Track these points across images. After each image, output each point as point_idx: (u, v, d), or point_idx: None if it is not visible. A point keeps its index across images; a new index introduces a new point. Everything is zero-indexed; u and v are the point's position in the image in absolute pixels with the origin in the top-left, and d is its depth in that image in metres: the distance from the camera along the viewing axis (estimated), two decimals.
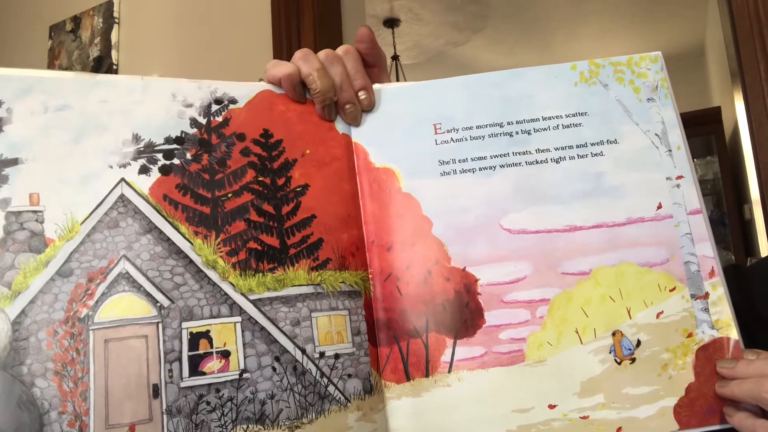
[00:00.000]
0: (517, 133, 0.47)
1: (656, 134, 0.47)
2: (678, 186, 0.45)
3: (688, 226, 0.44)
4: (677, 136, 0.46)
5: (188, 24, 1.54)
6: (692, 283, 0.43)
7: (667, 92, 0.48)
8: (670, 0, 2.98)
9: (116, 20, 1.63)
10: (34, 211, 0.38)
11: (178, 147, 0.43)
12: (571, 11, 3.09)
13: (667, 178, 0.46)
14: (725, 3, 1.21)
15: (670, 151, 0.46)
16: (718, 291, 0.43)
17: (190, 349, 0.40)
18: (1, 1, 1.87)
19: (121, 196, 0.41)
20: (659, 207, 0.45)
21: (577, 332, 0.43)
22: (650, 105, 0.47)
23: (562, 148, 0.47)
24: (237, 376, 0.40)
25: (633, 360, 0.42)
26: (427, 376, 0.43)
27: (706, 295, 0.43)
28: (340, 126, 0.49)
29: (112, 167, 0.41)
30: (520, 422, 0.41)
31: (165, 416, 0.38)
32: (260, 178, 0.45)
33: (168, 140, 0.43)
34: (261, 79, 0.49)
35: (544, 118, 0.47)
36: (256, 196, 0.45)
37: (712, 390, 0.41)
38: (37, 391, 0.36)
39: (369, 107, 0.49)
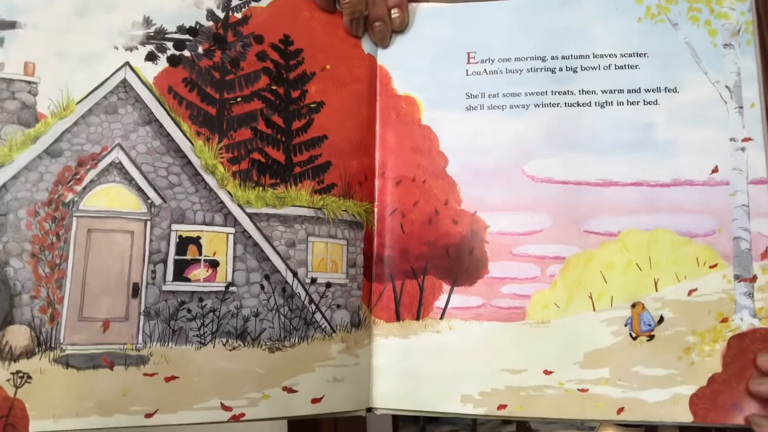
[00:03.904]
0: (560, 69, 0.42)
1: (727, 86, 0.40)
2: (743, 149, 0.39)
3: (746, 196, 0.39)
4: (753, 91, 0.40)
5: None
6: (739, 262, 0.38)
7: (751, 38, 0.41)
8: None
9: None
10: (28, 82, 0.37)
11: (191, 38, 0.41)
12: None
13: (731, 139, 0.40)
14: None
15: (741, 107, 0.40)
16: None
17: (177, 253, 0.38)
18: None
19: (124, 81, 0.39)
20: (714, 170, 0.39)
21: (591, 297, 0.39)
22: (726, 51, 0.41)
23: (611, 92, 0.41)
24: (223, 288, 0.39)
25: (651, 337, 0.38)
26: (417, 319, 0.41)
27: (754, 278, 0.38)
28: (366, 45, 0.45)
29: (117, 49, 0.39)
30: (509, 383, 0.38)
31: (142, 317, 0.37)
32: (274, 87, 0.42)
33: (181, 29, 0.40)
34: None
35: (594, 56, 0.42)
36: (267, 105, 0.42)
37: (741, 385, 0.36)
38: (11, 271, 0.35)
39: (400, 28, 0.45)
